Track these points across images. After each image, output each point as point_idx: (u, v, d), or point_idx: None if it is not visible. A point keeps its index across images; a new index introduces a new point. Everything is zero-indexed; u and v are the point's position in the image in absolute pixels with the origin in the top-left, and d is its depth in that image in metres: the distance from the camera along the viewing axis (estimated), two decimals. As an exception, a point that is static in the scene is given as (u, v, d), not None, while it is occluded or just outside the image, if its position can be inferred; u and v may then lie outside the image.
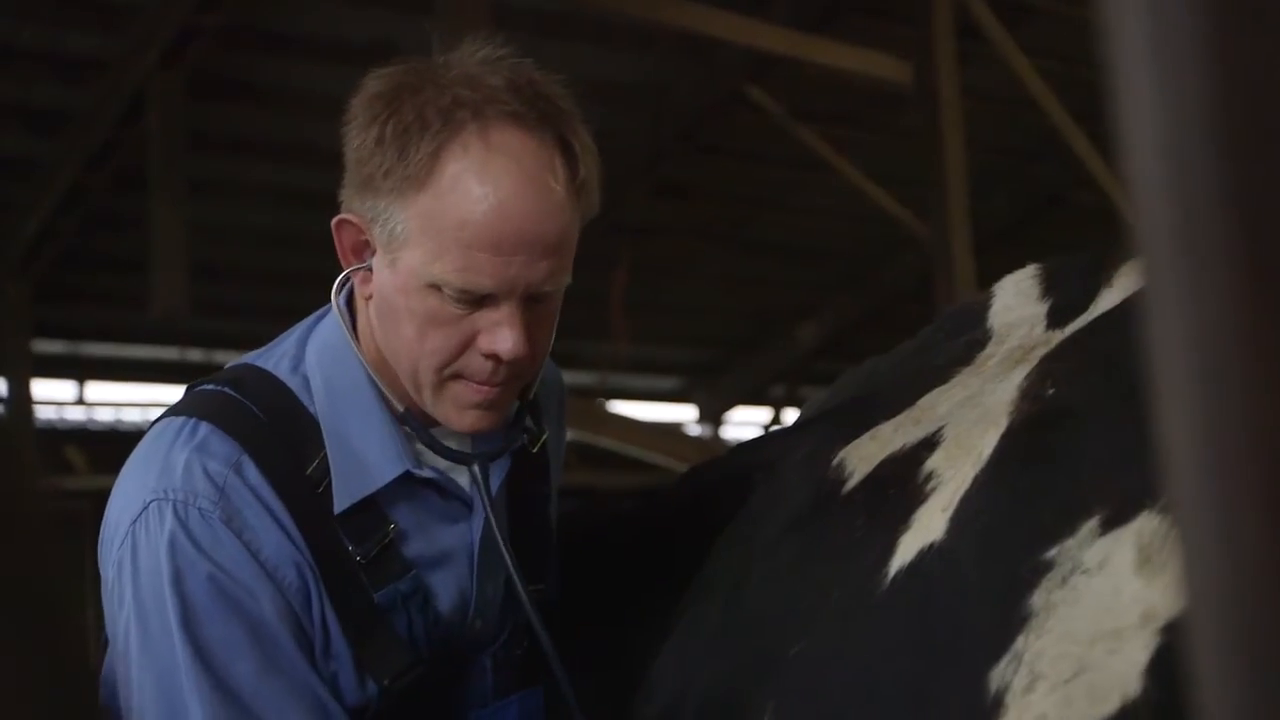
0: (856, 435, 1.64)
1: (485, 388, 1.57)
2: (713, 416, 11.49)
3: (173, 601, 1.48)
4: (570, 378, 9.26)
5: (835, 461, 1.63)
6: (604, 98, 6.94)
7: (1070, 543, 1.10)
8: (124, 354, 9.20)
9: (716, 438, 11.07)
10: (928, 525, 1.33)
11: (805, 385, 10.83)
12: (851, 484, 1.57)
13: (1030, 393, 1.32)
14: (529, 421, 1.76)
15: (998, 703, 1.08)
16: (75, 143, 6.83)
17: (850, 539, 1.47)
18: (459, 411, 1.58)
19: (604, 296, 8.26)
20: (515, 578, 1.64)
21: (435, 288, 1.51)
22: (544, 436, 1.83)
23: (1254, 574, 0.44)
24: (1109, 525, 1.07)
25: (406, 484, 1.62)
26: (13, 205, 7.31)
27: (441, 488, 1.66)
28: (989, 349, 1.65)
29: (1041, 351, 1.47)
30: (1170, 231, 0.43)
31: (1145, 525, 1.04)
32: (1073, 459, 1.18)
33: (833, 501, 1.58)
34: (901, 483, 1.45)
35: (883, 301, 10.26)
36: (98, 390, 9.78)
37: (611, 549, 2.06)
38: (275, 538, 1.53)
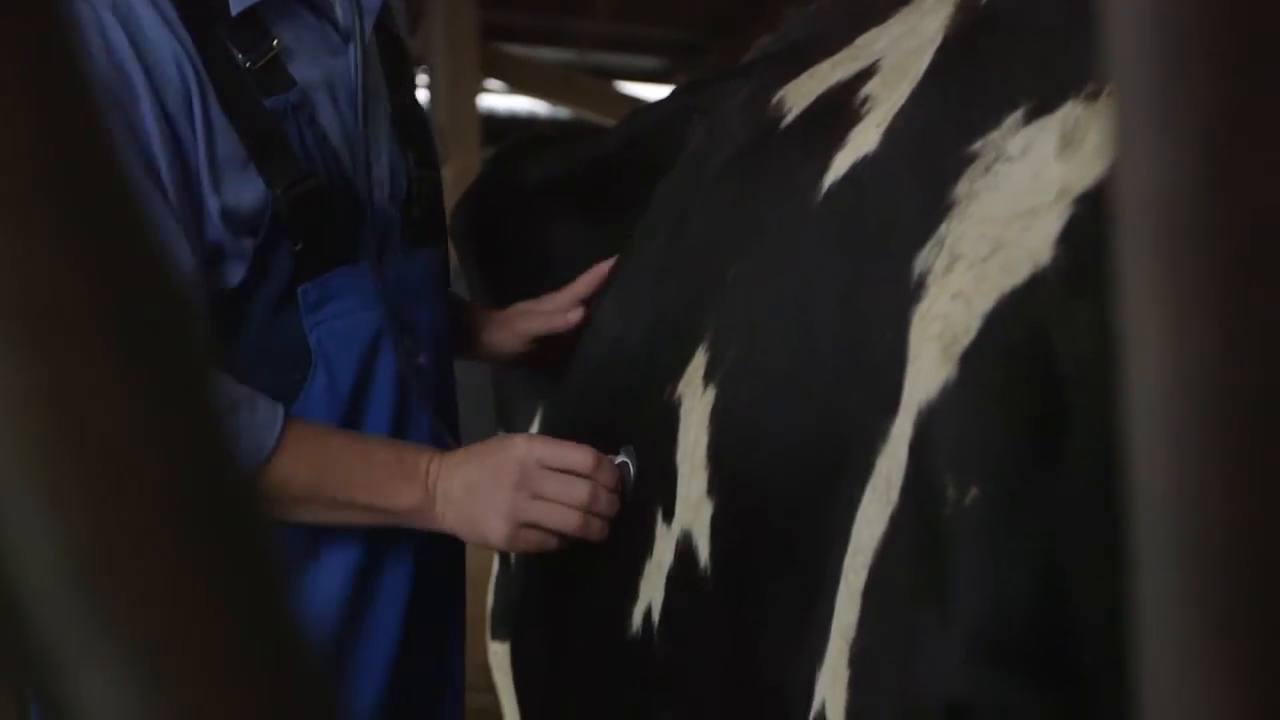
0: (796, 76, 1.66)
1: None
2: (695, 99, 11.38)
3: None
4: (551, 55, 9.05)
5: (775, 100, 1.65)
6: None
7: (995, 134, 1.13)
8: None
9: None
10: (862, 140, 1.37)
11: (789, 70, 10.66)
12: (790, 119, 1.60)
13: (963, 5, 1.33)
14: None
15: (920, 285, 1.13)
16: None
17: (787, 166, 1.51)
18: None
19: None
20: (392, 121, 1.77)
21: None
22: (395, 23, 1.91)
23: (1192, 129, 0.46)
24: (1034, 115, 1.10)
25: (286, 3, 1.71)
26: None
27: (319, 10, 1.74)
28: (929, -13, 1.65)
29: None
30: None
31: (1070, 113, 1.07)
32: (1004, 59, 1.20)
33: (771, 137, 1.61)
34: (838, 109, 1.47)
35: (873, -14, 10.00)
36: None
37: (557, 189, 2.10)
38: (161, 34, 1.58)
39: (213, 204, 1.61)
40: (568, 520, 1.60)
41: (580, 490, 1.59)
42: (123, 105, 1.55)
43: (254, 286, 1.66)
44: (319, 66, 1.72)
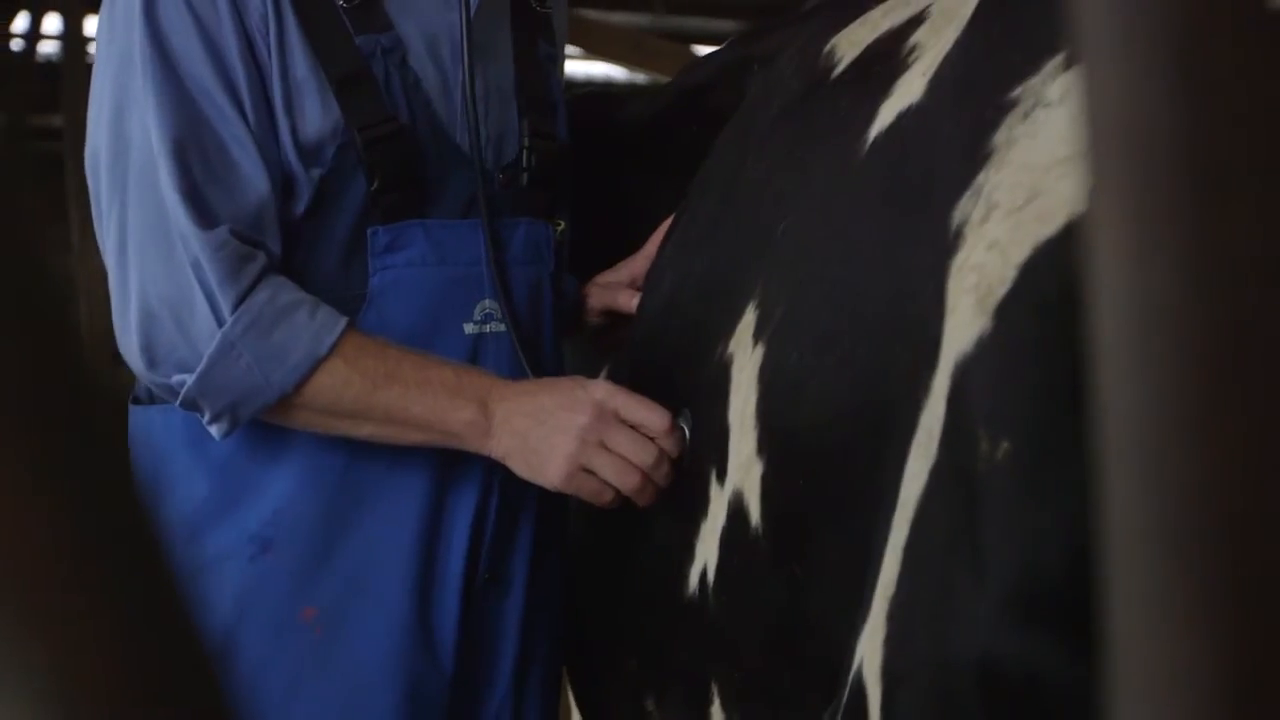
0: (849, 24, 1.64)
1: None
2: (774, 60, 11.26)
3: (141, 3, 1.61)
4: (623, 19, 8.98)
5: (827, 49, 1.63)
6: None
7: (1034, 81, 1.10)
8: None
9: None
10: (908, 90, 1.34)
11: (870, 27, 10.53)
12: (841, 68, 1.58)
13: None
14: None
15: (958, 235, 1.11)
16: None
17: (837, 117, 1.49)
18: None
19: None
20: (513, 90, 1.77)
21: None
22: (549, 6, 1.89)
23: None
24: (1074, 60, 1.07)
25: None
26: None
27: None
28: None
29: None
30: None
31: (1109, 55, 1.04)
32: (1045, 4, 1.17)
33: (822, 87, 1.59)
34: (886, 58, 1.45)
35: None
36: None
37: (615, 144, 2.09)
38: None
39: (284, 124, 1.64)
40: (629, 479, 1.59)
41: (649, 452, 1.58)
42: (204, 21, 1.61)
43: (325, 221, 1.68)
44: (423, 17, 1.73)
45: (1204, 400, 0.49)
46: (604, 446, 1.59)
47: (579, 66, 9.27)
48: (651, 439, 1.59)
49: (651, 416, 1.59)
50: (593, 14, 8.12)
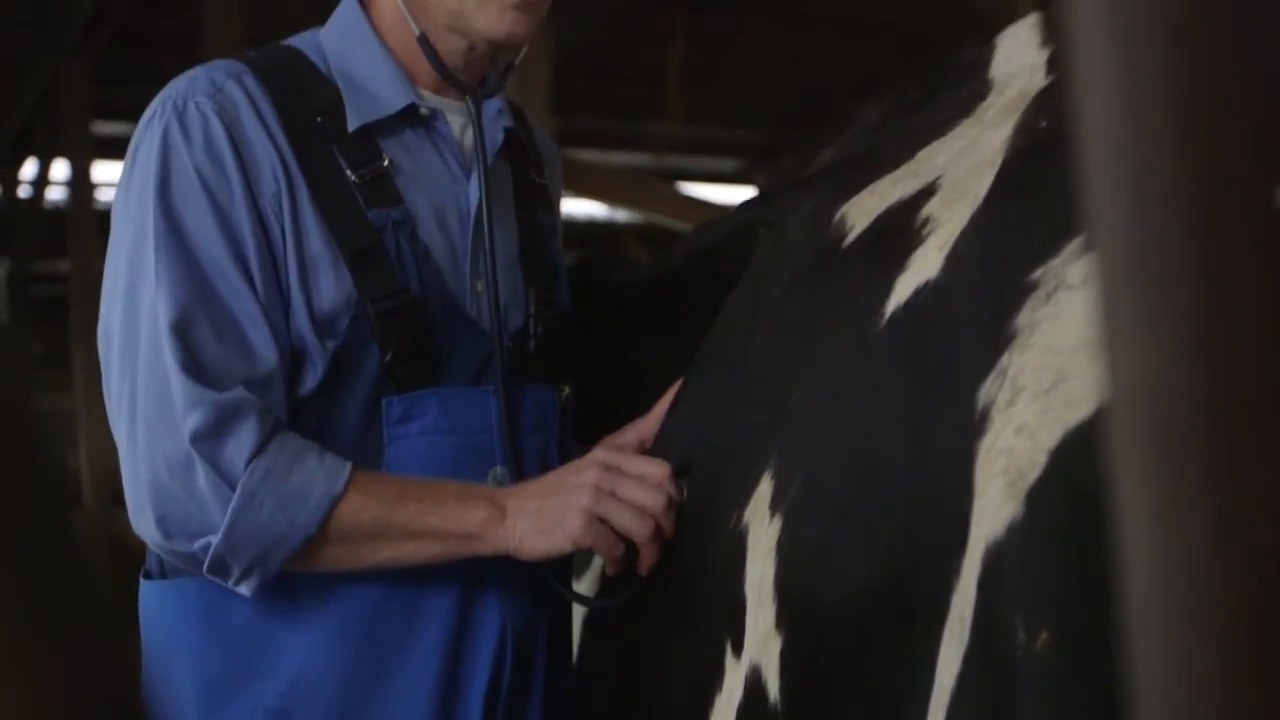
0: (857, 192, 1.65)
1: None
2: (773, 197, 11.38)
3: (156, 181, 1.65)
4: (626, 159, 9.17)
5: (836, 218, 1.64)
6: None
7: (1055, 263, 1.10)
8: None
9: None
10: (924, 265, 1.35)
11: (866, 165, 10.66)
12: (851, 238, 1.59)
13: (1024, 128, 1.32)
14: (531, 152, 1.96)
15: (984, 418, 1.10)
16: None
17: (850, 288, 1.49)
18: (501, 13, 1.72)
19: (659, 73, 8.15)
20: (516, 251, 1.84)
21: None
22: (546, 177, 1.98)
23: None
24: (1095, 242, 1.08)
25: (406, 126, 1.79)
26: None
27: (441, 137, 1.81)
28: (989, 99, 1.64)
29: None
30: None
31: (1130, 241, 1.04)
32: (1062, 183, 1.18)
33: (833, 256, 1.60)
34: (899, 230, 1.46)
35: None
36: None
37: (621, 305, 2.10)
38: (261, 139, 1.69)
39: (299, 299, 1.67)
40: (643, 526, 1.65)
41: (658, 497, 1.65)
42: (218, 198, 1.65)
43: (340, 392, 1.70)
44: (432, 190, 1.78)
45: (1230, 656, 0.49)
46: (615, 496, 1.65)
47: (579, 206, 9.37)
48: (657, 486, 1.66)
49: (653, 468, 1.68)
50: (591, 155, 8.23)
